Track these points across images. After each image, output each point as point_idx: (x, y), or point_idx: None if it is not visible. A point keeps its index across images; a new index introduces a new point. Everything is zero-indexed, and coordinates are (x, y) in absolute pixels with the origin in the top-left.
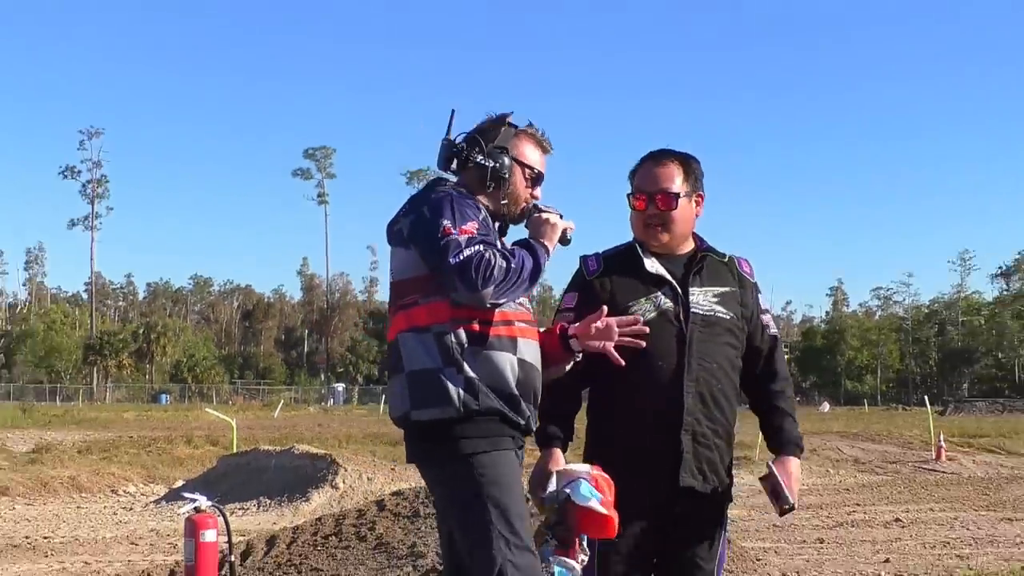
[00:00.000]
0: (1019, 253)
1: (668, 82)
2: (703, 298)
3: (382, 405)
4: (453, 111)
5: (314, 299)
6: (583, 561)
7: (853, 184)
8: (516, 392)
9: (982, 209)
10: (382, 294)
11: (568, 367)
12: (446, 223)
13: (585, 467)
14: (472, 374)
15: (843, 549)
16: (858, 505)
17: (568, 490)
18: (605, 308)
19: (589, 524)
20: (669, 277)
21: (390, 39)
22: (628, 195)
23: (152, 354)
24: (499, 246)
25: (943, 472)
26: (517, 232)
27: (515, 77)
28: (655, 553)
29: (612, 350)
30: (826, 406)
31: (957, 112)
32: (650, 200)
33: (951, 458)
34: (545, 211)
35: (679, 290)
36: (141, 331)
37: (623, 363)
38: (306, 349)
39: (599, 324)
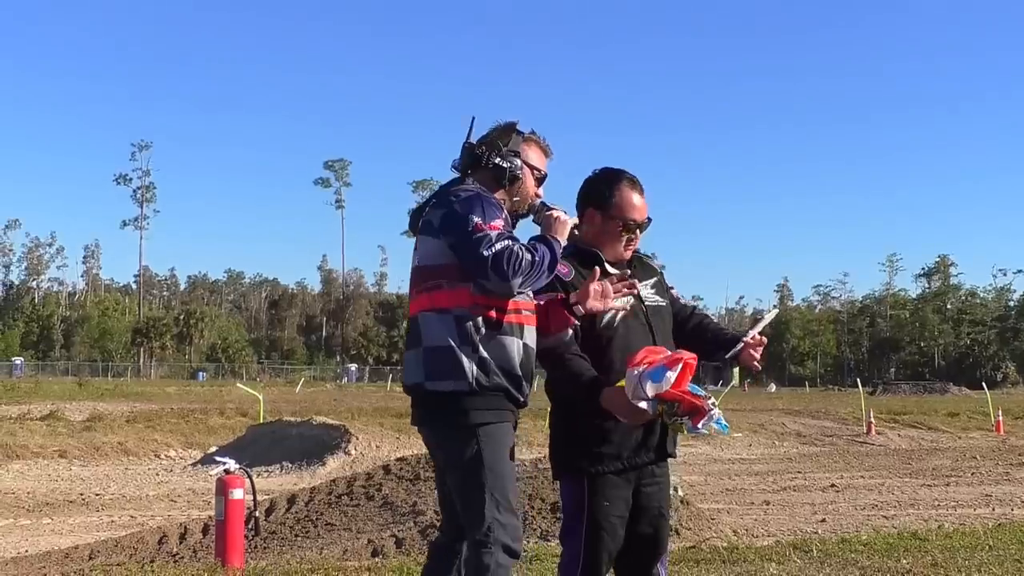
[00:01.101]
0: (938, 256)
1: (620, 78)
2: (647, 292)
3: (390, 383)
4: (473, 119)
5: (332, 291)
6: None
7: (797, 193)
8: (520, 372)
9: (908, 217)
10: (391, 287)
11: (567, 335)
12: (477, 219)
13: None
14: (485, 354)
15: (786, 510)
16: (799, 472)
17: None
18: (598, 270)
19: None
20: (633, 281)
21: (401, 66)
22: (605, 215)
23: (191, 337)
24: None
25: (872, 444)
26: (526, 228)
27: (515, 98)
28: (632, 509)
29: (612, 303)
30: (773, 387)
31: (886, 123)
32: (637, 228)
33: (879, 432)
34: (553, 208)
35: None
36: (182, 317)
37: (627, 307)
38: (324, 334)
39: (596, 287)
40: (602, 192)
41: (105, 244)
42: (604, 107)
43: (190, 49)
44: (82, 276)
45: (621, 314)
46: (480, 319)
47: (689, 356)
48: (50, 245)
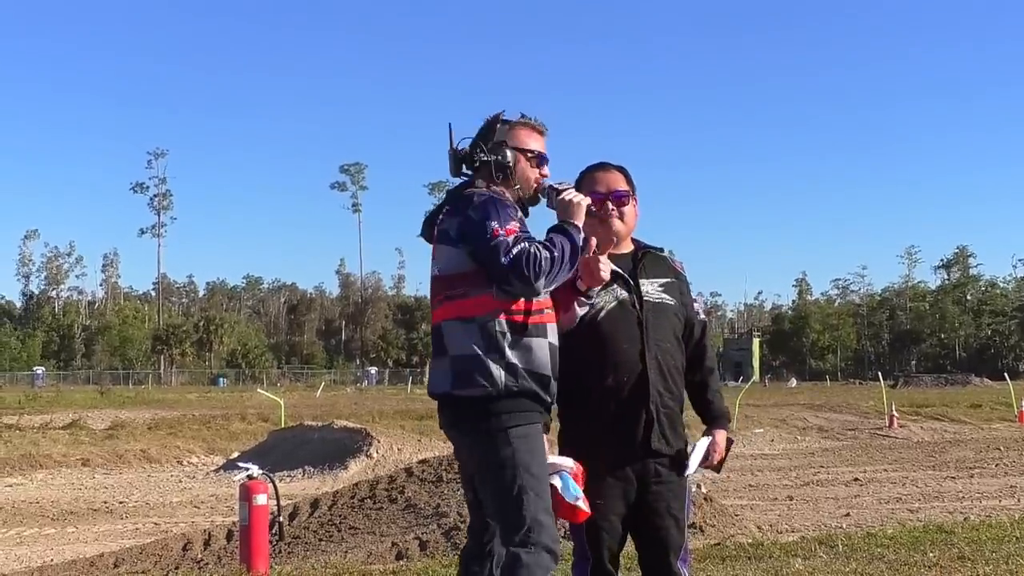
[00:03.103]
0: (957, 247)
1: (639, 77)
2: (651, 288)
3: (410, 386)
4: (450, 125)
5: (350, 294)
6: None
7: (814, 187)
8: (548, 373)
9: (925, 209)
10: (409, 289)
11: (581, 312)
12: (494, 225)
13: (569, 462)
14: (513, 359)
15: (810, 505)
16: (822, 467)
17: (555, 483)
18: (594, 240)
19: (567, 512)
20: (621, 271)
21: (416, 69)
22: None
23: (211, 343)
24: (538, 238)
25: (895, 437)
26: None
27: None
28: (635, 507)
29: (605, 276)
30: (794, 382)
31: (903, 120)
32: (605, 200)
33: (902, 425)
34: (560, 187)
35: (631, 282)
36: (201, 324)
37: (615, 301)
38: (343, 338)
39: (588, 255)
40: (577, 185)
41: (123, 252)
42: (624, 106)
43: (204, 56)
44: (101, 285)
45: (606, 309)
46: (505, 324)
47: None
48: (69, 255)
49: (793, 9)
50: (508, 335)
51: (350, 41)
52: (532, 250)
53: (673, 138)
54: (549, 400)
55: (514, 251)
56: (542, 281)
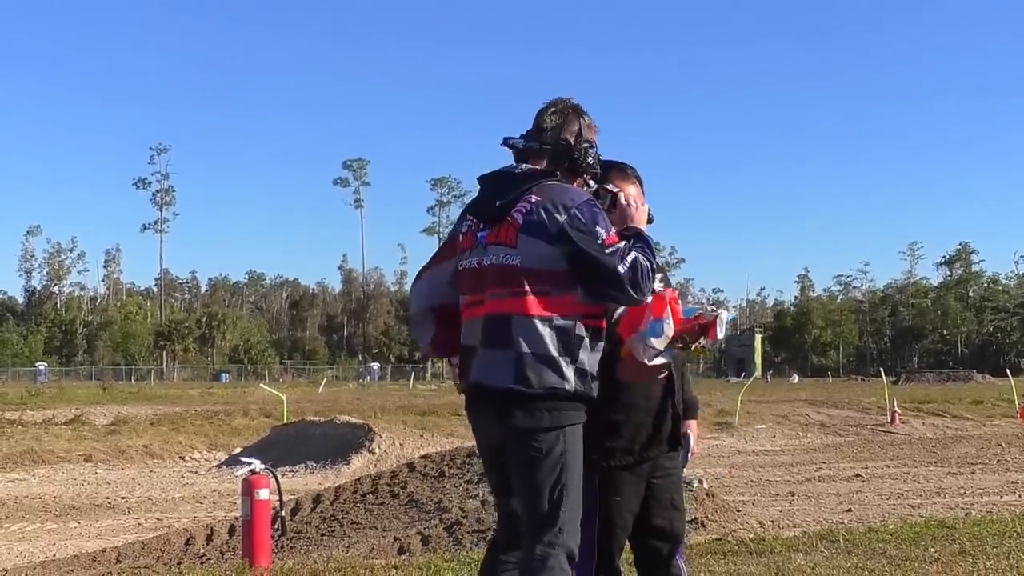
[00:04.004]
0: (960, 244)
1: (642, 76)
2: (660, 284)
3: (412, 381)
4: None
5: (352, 290)
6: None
7: (817, 184)
8: (597, 377)
9: (928, 206)
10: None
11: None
12: (603, 232)
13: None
14: (583, 363)
15: (812, 501)
16: (824, 463)
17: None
18: (617, 194)
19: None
20: None
21: (418, 65)
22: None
23: (213, 339)
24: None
25: (897, 434)
26: None
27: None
28: (645, 501)
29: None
30: (795, 378)
31: (904, 116)
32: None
33: (904, 421)
34: (611, 190)
35: None
36: (204, 319)
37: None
38: (345, 333)
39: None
40: None
41: (125, 248)
42: (625, 105)
43: (207, 51)
44: (103, 280)
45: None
46: (583, 328)
47: (669, 294)
48: (71, 250)
49: (794, 12)
50: (585, 339)
51: (353, 37)
52: (640, 259)
53: (676, 136)
54: (594, 399)
55: (628, 259)
56: (647, 288)
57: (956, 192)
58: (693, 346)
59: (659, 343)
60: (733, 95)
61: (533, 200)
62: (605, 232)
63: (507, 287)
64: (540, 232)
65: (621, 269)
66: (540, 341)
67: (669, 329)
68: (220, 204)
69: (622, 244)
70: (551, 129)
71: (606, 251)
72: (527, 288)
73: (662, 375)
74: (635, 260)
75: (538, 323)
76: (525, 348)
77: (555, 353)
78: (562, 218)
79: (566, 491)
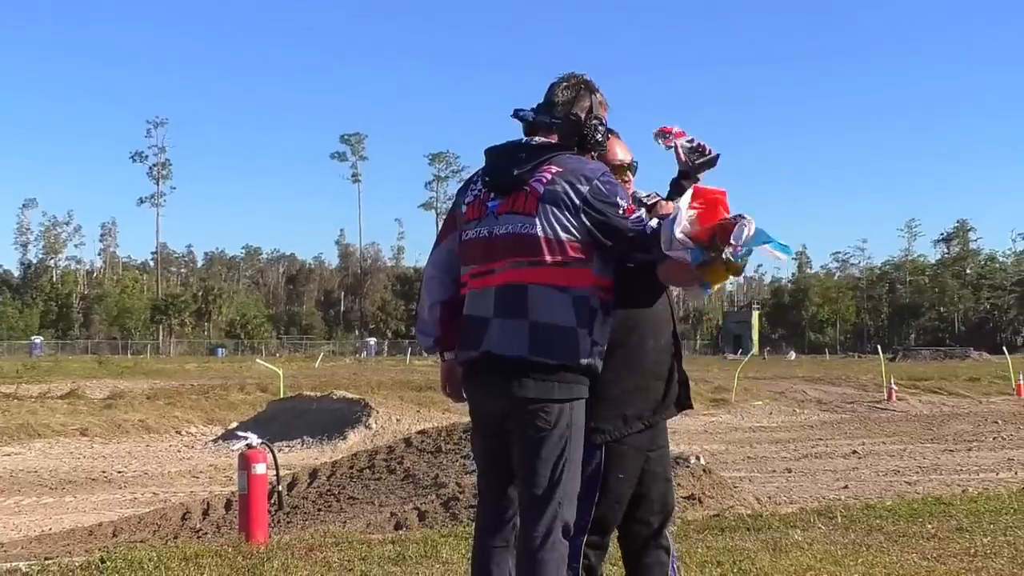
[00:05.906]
0: (957, 221)
1: (637, 54)
2: None
3: (408, 356)
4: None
5: (349, 265)
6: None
7: (814, 160)
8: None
9: (926, 183)
10: (409, 260)
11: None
12: (624, 203)
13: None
14: (597, 336)
15: (808, 477)
16: (820, 440)
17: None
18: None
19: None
20: None
21: (415, 39)
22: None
23: (210, 313)
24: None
25: (893, 410)
26: None
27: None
28: (640, 475)
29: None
30: (792, 355)
31: (901, 95)
32: (627, 169)
33: (900, 398)
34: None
35: None
36: (200, 294)
37: None
38: (342, 308)
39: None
40: None
41: (122, 222)
42: (623, 82)
43: (204, 24)
44: (99, 254)
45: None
46: (597, 301)
47: (717, 191)
48: (67, 224)
49: None
50: (599, 312)
51: (351, 10)
52: (663, 224)
53: (674, 109)
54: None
55: (652, 224)
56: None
57: (954, 170)
58: (722, 255)
59: (678, 230)
60: (730, 70)
61: (553, 171)
62: (625, 203)
63: (525, 256)
64: (562, 202)
65: (648, 231)
66: (556, 311)
67: (689, 221)
68: (217, 178)
69: (641, 211)
70: (562, 104)
71: (631, 219)
72: (546, 257)
73: (693, 280)
74: (657, 225)
75: (555, 292)
76: (538, 317)
77: (573, 324)
78: (585, 188)
79: (568, 464)
